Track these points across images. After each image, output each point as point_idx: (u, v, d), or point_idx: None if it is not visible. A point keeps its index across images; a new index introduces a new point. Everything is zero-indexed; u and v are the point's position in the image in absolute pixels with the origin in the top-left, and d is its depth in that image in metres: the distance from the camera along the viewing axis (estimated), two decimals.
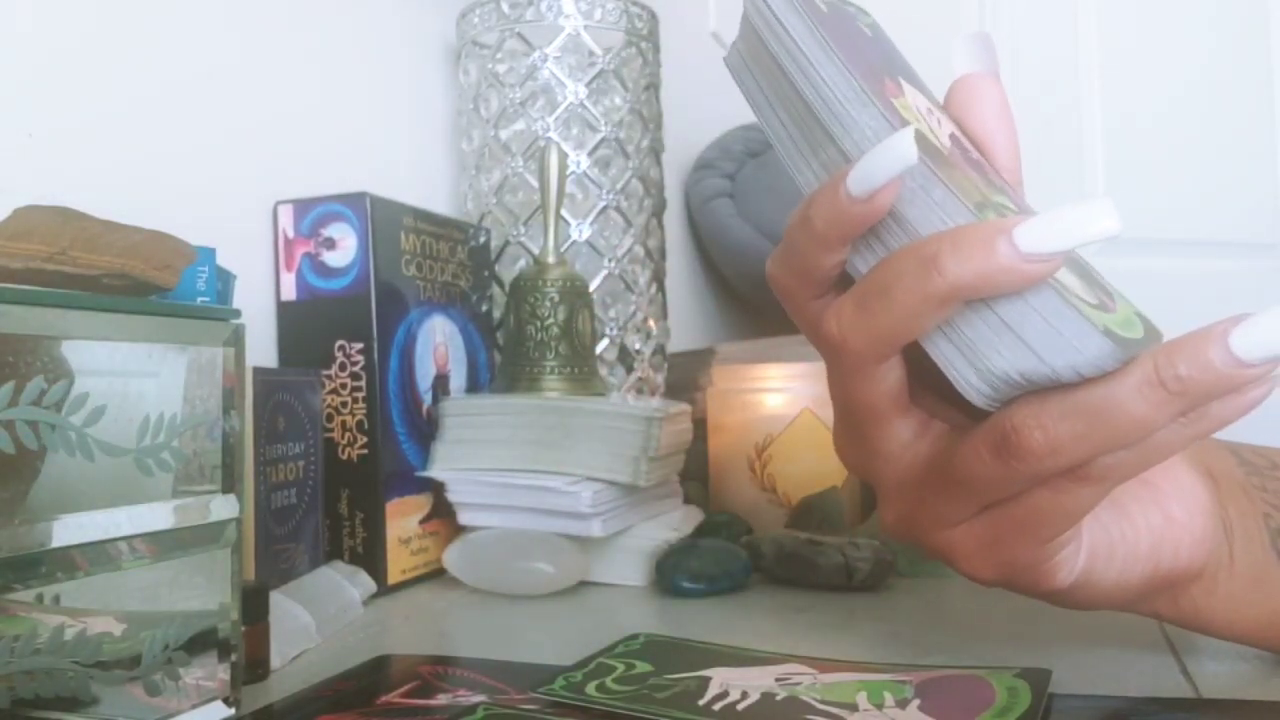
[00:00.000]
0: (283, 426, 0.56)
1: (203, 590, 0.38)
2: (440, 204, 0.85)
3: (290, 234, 0.65)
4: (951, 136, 0.35)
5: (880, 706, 0.35)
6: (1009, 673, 0.38)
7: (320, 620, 0.50)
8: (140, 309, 0.36)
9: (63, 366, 0.33)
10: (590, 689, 0.39)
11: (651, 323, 0.84)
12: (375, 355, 0.63)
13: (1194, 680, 0.39)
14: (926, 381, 0.35)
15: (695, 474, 0.77)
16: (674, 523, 0.68)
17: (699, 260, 1.27)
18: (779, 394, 0.76)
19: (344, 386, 0.63)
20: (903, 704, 0.36)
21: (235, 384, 0.39)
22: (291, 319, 0.65)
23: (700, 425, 0.76)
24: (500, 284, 0.79)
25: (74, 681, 0.33)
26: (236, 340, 0.39)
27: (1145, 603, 0.38)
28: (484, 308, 0.76)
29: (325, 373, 0.63)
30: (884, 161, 0.30)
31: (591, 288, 0.75)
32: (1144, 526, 0.36)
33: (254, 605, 0.43)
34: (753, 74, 0.35)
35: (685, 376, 0.89)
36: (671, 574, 0.60)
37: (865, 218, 0.31)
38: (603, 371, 0.78)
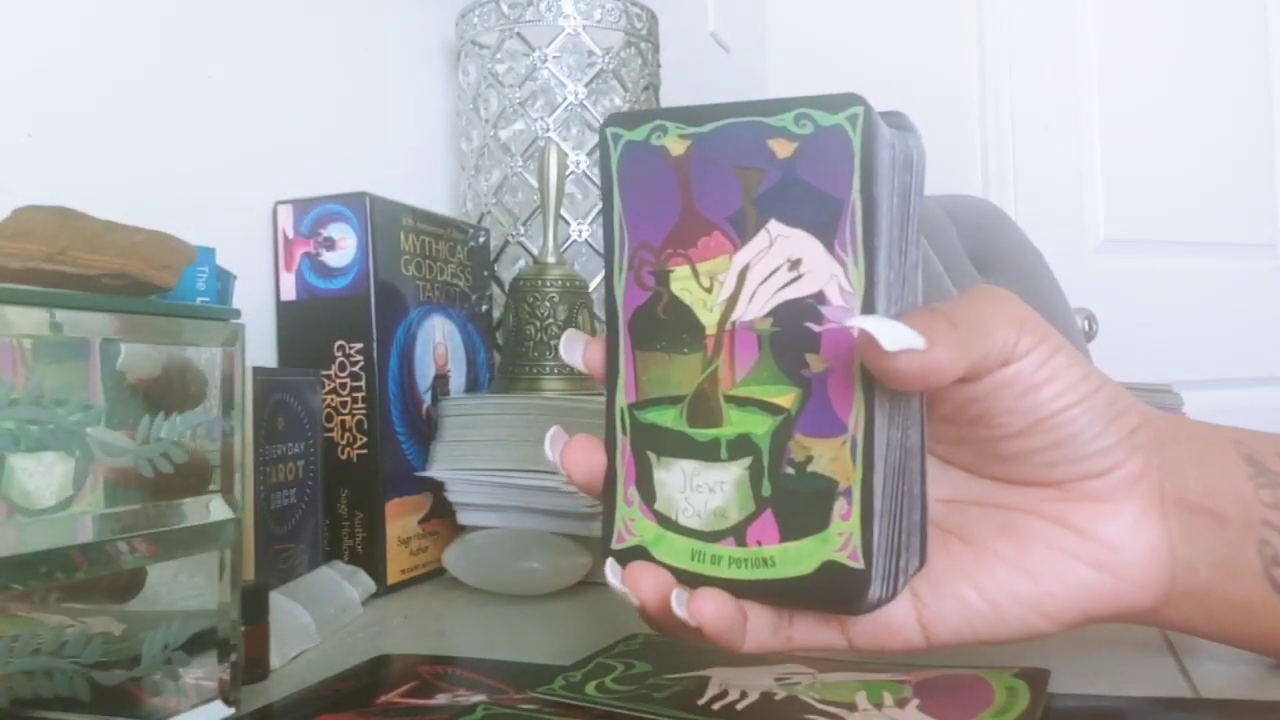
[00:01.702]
0: (282, 426, 0.57)
1: (202, 590, 0.38)
2: (440, 204, 0.85)
3: (290, 234, 0.65)
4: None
5: (879, 706, 0.35)
6: (1008, 672, 0.38)
7: (319, 620, 0.50)
8: (140, 309, 0.36)
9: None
10: (589, 689, 0.39)
11: None
12: (375, 355, 0.63)
13: (1193, 680, 0.39)
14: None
15: None
16: None
17: None
18: None
19: (343, 386, 0.63)
20: (901, 704, 0.36)
21: (235, 384, 0.39)
22: (291, 319, 0.65)
23: None
24: (500, 284, 0.79)
25: (74, 681, 0.33)
26: (236, 340, 0.39)
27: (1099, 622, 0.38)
28: (483, 308, 0.76)
29: (325, 373, 0.63)
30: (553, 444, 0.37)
31: (591, 287, 0.75)
32: (1072, 583, 0.36)
33: (253, 605, 0.43)
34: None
35: None
36: None
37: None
38: None
